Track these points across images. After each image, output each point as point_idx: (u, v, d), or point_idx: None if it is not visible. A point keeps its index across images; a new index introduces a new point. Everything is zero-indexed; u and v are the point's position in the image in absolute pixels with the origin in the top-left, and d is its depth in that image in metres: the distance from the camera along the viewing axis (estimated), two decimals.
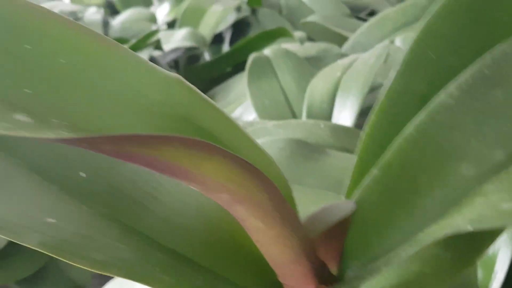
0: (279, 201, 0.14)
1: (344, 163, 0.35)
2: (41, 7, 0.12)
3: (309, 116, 0.50)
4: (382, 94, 0.15)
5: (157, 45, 0.56)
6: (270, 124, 0.44)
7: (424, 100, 0.15)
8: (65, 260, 0.13)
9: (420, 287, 0.14)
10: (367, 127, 0.16)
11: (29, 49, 0.12)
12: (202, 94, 0.15)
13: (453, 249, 0.14)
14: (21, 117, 0.11)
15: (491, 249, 0.27)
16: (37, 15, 0.12)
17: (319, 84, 0.51)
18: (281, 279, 0.15)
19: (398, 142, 0.15)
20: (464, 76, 0.15)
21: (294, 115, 0.54)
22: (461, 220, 0.13)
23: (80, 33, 0.13)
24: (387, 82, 0.15)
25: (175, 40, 0.57)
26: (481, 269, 0.27)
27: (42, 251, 0.13)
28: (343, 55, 0.56)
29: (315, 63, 0.57)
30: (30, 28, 0.12)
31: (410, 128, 0.15)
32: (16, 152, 0.14)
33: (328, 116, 0.49)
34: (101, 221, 0.14)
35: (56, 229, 0.13)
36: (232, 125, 0.15)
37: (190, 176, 0.14)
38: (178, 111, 0.14)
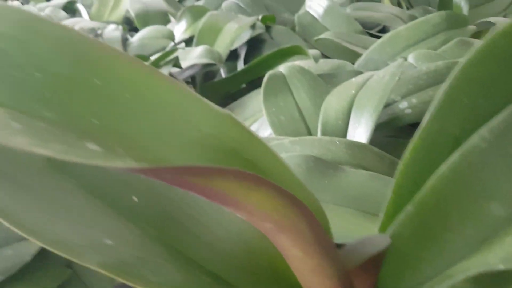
0: (320, 233, 0.15)
1: (360, 179, 0.36)
2: (112, 47, 0.13)
3: (324, 132, 0.51)
4: (416, 134, 0.16)
5: (176, 62, 0.57)
6: (287, 140, 0.44)
7: (457, 141, 0.16)
8: (121, 280, 0.14)
9: None
10: (401, 165, 0.17)
11: (98, 84, 0.13)
12: (249, 128, 0.16)
13: (482, 285, 0.15)
14: (91, 145, 0.11)
15: None
16: (107, 54, 0.13)
17: (334, 101, 0.52)
18: None
19: (432, 181, 0.16)
20: (496, 120, 0.16)
21: (309, 132, 0.54)
22: (493, 259, 0.13)
23: (143, 71, 0.14)
24: (422, 123, 0.16)
25: (192, 57, 0.59)
26: None
27: (101, 271, 0.13)
28: (356, 72, 0.57)
29: (329, 80, 0.58)
30: (100, 65, 0.13)
31: (444, 168, 0.16)
32: (75, 174, 0.15)
33: (343, 133, 0.50)
34: (152, 244, 0.15)
35: (114, 251, 0.14)
36: (275, 158, 0.16)
37: (239, 205, 0.14)
38: (227, 144, 0.15)
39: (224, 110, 0.15)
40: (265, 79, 0.54)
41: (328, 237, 0.15)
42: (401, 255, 0.16)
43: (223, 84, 0.59)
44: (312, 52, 0.61)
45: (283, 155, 0.40)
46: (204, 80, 0.63)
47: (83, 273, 0.42)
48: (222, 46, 0.63)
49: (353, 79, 0.56)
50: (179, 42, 0.68)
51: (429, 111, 0.17)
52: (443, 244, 0.15)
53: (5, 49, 0.12)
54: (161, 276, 0.14)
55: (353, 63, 0.62)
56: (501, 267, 0.13)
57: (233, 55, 0.65)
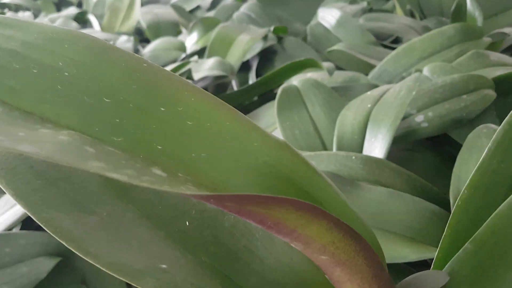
0: (378, 269, 0.15)
1: (378, 197, 0.35)
2: (178, 77, 0.13)
3: (340, 147, 0.50)
4: (475, 171, 0.16)
5: (188, 75, 0.57)
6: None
7: None
8: None
9: None
10: (459, 201, 0.16)
11: (163, 111, 0.13)
12: (305, 157, 0.15)
13: None
14: (157, 171, 0.11)
15: None
16: (174, 84, 0.13)
17: (350, 115, 0.52)
18: None
19: (492, 219, 0.15)
20: None
21: (324, 146, 0.54)
22: None
23: (205, 100, 0.14)
24: (480, 161, 0.16)
25: (204, 69, 0.58)
26: None
27: None
28: (371, 85, 0.56)
29: (343, 92, 0.58)
30: (166, 94, 0.13)
31: (504, 207, 0.15)
32: (131, 198, 0.15)
33: (359, 147, 0.49)
34: (204, 270, 0.14)
35: (168, 275, 0.14)
36: (330, 188, 0.16)
37: (295, 236, 0.14)
38: (283, 173, 0.15)
39: (282, 139, 0.15)
40: (279, 92, 0.54)
41: (386, 272, 0.15)
42: None
43: (236, 97, 0.59)
44: (326, 64, 0.61)
45: None
46: (216, 92, 0.63)
47: None
48: (234, 57, 0.62)
49: (369, 92, 0.56)
50: (191, 54, 0.68)
51: (488, 148, 0.16)
52: (502, 283, 0.15)
53: (77, 75, 0.12)
54: None
55: (367, 75, 0.62)
56: None
57: (245, 67, 0.65)
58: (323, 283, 0.16)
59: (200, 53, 0.69)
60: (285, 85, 0.57)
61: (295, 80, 0.58)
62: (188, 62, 0.58)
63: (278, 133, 0.55)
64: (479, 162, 0.16)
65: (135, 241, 0.14)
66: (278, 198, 0.13)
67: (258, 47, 0.67)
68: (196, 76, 0.58)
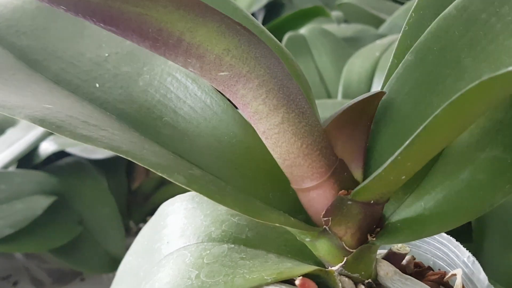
0: (284, 78, 0.12)
1: None
2: None
3: (345, 96, 0.48)
4: None
5: None
6: None
7: None
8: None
9: (473, 196, 0.11)
10: (406, 26, 0.13)
11: None
12: None
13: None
14: None
15: None
16: None
17: (357, 63, 0.49)
18: (294, 185, 0.13)
19: (436, 23, 0.12)
20: None
21: (329, 96, 0.51)
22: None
23: None
24: None
25: None
26: None
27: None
28: (380, 36, 0.54)
29: (352, 44, 0.55)
30: None
31: (451, 8, 0.12)
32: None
33: None
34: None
35: (49, 111, 0.12)
36: None
37: (185, 49, 0.12)
38: None
39: None
40: (284, 40, 0.52)
41: (294, 83, 0.12)
42: (399, 112, 0.12)
43: None
44: (334, 13, 0.57)
45: None
46: None
47: (95, 230, 0.41)
48: None
49: (378, 41, 0.53)
50: None
51: None
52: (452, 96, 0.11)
53: None
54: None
55: (376, 29, 0.59)
56: None
57: None
58: (235, 123, 0.14)
59: None
60: (291, 33, 0.55)
61: (302, 29, 0.55)
62: None
63: None
64: None
65: (30, 92, 0.13)
66: None
67: None
68: None
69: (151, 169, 0.11)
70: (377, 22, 0.59)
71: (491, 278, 0.26)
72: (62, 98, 0.14)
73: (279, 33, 0.56)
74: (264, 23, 0.63)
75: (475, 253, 0.28)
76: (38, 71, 0.14)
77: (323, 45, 0.55)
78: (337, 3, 0.60)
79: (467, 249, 0.25)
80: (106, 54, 0.15)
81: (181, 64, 0.12)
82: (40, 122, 0.11)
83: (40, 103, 0.13)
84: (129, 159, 0.11)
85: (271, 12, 0.65)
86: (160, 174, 0.11)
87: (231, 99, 0.12)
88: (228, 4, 0.15)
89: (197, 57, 0.12)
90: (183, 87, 0.15)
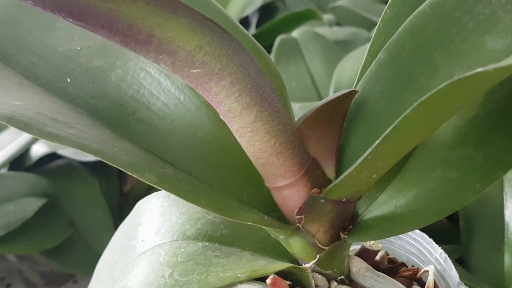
0: (257, 76, 0.12)
1: None
2: None
3: None
4: None
5: None
6: (297, 106, 0.42)
7: None
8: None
9: (444, 195, 0.11)
10: (380, 23, 0.13)
11: None
12: None
13: (486, 148, 0.11)
14: None
15: None
16: None
17: (348, 66, 0.50)
18: (268, 183, 0.13)
19: (410, 20, 0.12)
20: None
21: (321, 98, 0.52)
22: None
23: None
24: None
25: None
26: (508, 255, 0.25)
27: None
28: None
29: (344, 47, 0.55)
30: None
31: (425, 5, 0.12)
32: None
33: None
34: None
35: (18, 108, 0.12)
36: None
37: (156, 45, 0.12)
38: None
39: None
40: (276, 43, 0.52)
41: (268, 81, 0.12)
42: (372, 111, 0.12)
43: None
44: (326, 16, 0.57)
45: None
46: None
47: (86, 233, 0.41)
48: (233, 12, 0.60)
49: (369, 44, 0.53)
50: None
51: None
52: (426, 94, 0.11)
53: None
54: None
55: (369, 32, 0.60)
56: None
57: (244, 23, 0.62)
58: (209, 120, 0.13)
59: None
60: (283, 36, 0.55)
61: (294, 32, 0.56)
62: None
63: None
64: None
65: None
66: None
67: (259, 2, 0.64)
68: None
69: (121, 169, 0.11)
70: (370, 25, 0.59)
71: (479, 279, 0.26)
72: (31, 94, 0.14)
73: (271, 35, 0.56)
74: (258, 26, 0.63)
75: (463, 255, 0.28)
76: (9, 65, 0.14)
77: (315, 48, 0.55)
78: (330, 6, 0.61)
79: (455, 251, 0.25)
80: (78, 48, 0.15)
81: (153, 60, 0.12)
82: (8, 120, 0.11)
83: (9, 100, 0.13)
84: (98, 158, 0.11)
85: (265, 14, 0.65)
86: (130, 174, 0.11)
87: (204, 97, 0.12)
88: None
89: (169, 54, 0.12)
90: (156, 83, 0.14)
